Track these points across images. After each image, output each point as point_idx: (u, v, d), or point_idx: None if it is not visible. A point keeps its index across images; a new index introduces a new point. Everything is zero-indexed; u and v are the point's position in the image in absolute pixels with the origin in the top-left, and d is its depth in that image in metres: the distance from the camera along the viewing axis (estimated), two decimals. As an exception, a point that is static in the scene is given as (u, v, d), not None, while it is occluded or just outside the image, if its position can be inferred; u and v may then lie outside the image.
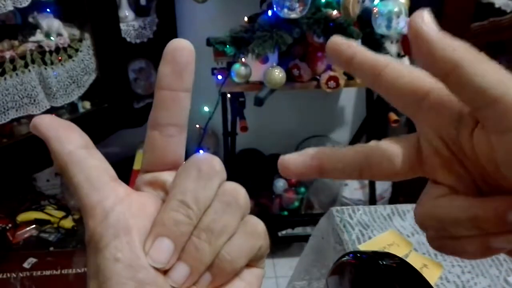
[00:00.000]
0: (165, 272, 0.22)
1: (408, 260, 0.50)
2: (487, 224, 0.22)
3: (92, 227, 0.22)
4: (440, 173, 0.24)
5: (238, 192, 0.24)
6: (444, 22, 1.52)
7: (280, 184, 1.88)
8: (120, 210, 0.23)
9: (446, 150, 0.24)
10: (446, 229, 0.23)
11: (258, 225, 0.25)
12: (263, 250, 0.25)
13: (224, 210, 0.23)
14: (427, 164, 0.25)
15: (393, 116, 1.59)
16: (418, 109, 0.24)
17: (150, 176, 0.25)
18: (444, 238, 0.24)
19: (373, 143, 0.26)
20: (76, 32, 1.42)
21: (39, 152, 1.41)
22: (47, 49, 1.32)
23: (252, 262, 0.25)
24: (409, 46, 0.21)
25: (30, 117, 1.36)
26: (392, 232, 0.93)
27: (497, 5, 1.57)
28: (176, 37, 1.70)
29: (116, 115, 1.57)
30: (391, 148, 0.25)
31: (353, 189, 1.89)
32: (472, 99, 0.21)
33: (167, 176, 0.25)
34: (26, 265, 1.40)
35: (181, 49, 0.24)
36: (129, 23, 1.56)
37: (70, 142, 0.24)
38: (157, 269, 0.22)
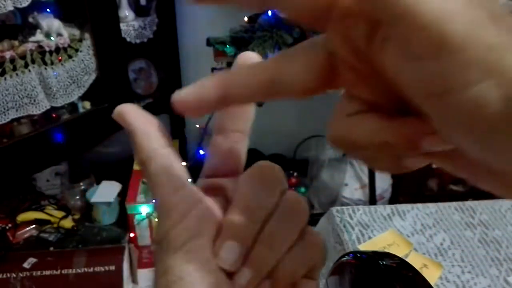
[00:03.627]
0: (230, 277, 0.23)
1: (408, 260, 0.50)
2: (398, 149, 0.20)
3: (167, 228, 0.23)
4: (355, 87, 0.21)
5: (299, 201, 0.25)
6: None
7: (280, 184, 1.88)
8: (195, 213, 0.23)
9: (360, 64, 0.20)
10: (357, 151, 0.22)
11: (317, 236, 0.25)
12: (321, 262, 0.25)
13: (287, 218, 0.24)
14: (340, 76, 0.21)
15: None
16: (327, 22, 0.19)
17: (211, 181, 0.26)
18: (357, 155, 0.22)
19: (276, 57, 0.22)
20: (76, 32, 1.42)
21: (39, 152, 1.41)
22: (47, 49, 1.32)
23: (308, 272, 0.25)
24: None
25: (30, 117, 1.36)
26: (392, 232, 0.93)
27: (497, 5, 1.57)
28: (176, 37, 1.70)
29: (116, 115, 1.57)
30: (299, 62, 0.21)
31: (353, 189, 1.89)
32: (373, 9, 0.17)
33: (227, 183, 0.26)
34: (26, 265, 1.40)
35: (251, 60, 0.25)
36: (129, 23, 1.56)
37: (155, 138, 0.24)
38: (224, 274, 0.23)
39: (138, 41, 1.60)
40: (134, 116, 0.24)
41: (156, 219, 0.24)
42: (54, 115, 1.44)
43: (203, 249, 0.22)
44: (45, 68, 1.32)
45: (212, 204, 0.25)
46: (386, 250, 0.87)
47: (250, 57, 0.25)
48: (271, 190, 0.24)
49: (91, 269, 1.41)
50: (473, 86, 0.16)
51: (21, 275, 1.37)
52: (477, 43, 0.16)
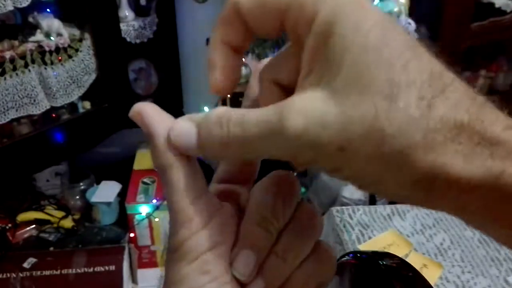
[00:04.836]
0: (243, 287, 0.23)
1: (408, 260, 0.50)
2: None
3: (183, 238, 0.22)
4: None
5: (315, 213, 0.25)
6: (444, 22, 1.52)
7: (280, 184, 1.88)
8: (213, 224, 0.23)
9: None
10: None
11: (330, 250, 0.25)
12: (331, 275, 0.25)
13: (302, 231, 0.24)
14: None
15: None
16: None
17: (224, 187, 0.26)
18: None
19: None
20: (76, 32, 1.42)
21: (39, 152, 1.41)
22: (47, 49, 1.32)
23: (318, 285, 0.25)
24: None
25: (30, 117, 1.36)
26: (392, 232, 0.93)
27: (497, 5, 1.57)
28: (176, 37, 1.70)
29: (116, 115, 1.57)
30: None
31: (353, 189, 1.89)
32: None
33: (240, 190, 0.25)
34: (26, 265, 1.40)
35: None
36: (129, 23, 1.56)
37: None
38: (238, 284, 0.22)
39: (138, 41, 1.60)
40: (154, 118, 0.23)
41: (169, 226, 0.23)
42: (54, 115, 1.44)
43: (220, 260, 0.22)
44: (45, 68, 1.32)
45: (229, 212, 0.24)
46: (386, 250, 0.87)
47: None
48: (288, 201, 0.24)
49: (91, 269, 1.41)
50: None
51: (21, 275, 1.37)
52: None
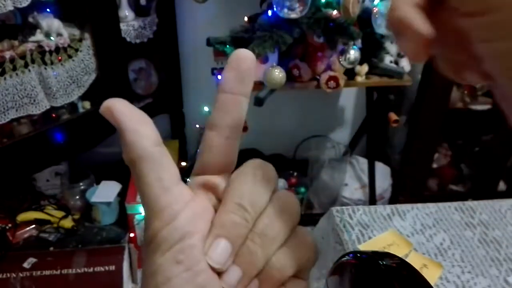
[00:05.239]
0: (220, 275, 0.23)
1: (408, 260, 0.50)
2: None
3: (157, 229, 0.22)
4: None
5: (291, 200, 0.25)
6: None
7: (279, 184, 1.88)
8: (186, 214, 0.23)
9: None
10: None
11: (308, 236, 0.25)
12: (311, 262, 0.25)
13: (278, 216, 0.24)
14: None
15: (393, 116, 1.59)
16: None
17: (203, 179, 0.26)
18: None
19: None
20: (76, 32, 1.42)
21: (39, 152, 1.41)
22: (47, 49, 1.32)
23: (298, 272, 0.25)
24: None
25: (30, 117, 1.36)
26: (392, 232, 0.93)
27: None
28: (176, 37, 1.70)
29: (116, 115, 1.57)
30: None
31: (353, 189, 1.89)
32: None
33: (218, 180, 0.25)
34: (26, 265, 1.40)
35: (244, 58, 0.25)
36: (129, 23, 1.56)
37: (146, 137, 0.23)
38: (213, 273, 0.22)
39: (138, 41, 1.60)
40: (124, 113, 0.23)
41: (144, 220, 0.24)
42: (54, 115, 1.44)
43: (193, 249, 0.22)
44: (45, 68, 1.32)
45: (203, 202, 0.24)
46: (386, 250, 0.87)
47: (245, 56, 0.24)
48: (263, 188, 0.24)
49: (91, 269, 1.41)
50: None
51: (21, 275, 1.37)
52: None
